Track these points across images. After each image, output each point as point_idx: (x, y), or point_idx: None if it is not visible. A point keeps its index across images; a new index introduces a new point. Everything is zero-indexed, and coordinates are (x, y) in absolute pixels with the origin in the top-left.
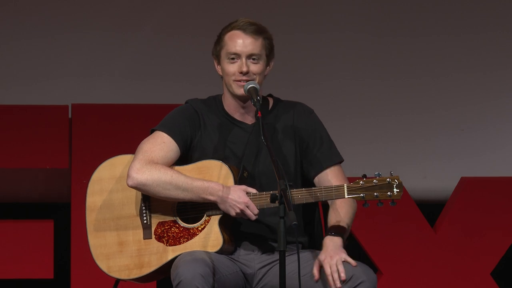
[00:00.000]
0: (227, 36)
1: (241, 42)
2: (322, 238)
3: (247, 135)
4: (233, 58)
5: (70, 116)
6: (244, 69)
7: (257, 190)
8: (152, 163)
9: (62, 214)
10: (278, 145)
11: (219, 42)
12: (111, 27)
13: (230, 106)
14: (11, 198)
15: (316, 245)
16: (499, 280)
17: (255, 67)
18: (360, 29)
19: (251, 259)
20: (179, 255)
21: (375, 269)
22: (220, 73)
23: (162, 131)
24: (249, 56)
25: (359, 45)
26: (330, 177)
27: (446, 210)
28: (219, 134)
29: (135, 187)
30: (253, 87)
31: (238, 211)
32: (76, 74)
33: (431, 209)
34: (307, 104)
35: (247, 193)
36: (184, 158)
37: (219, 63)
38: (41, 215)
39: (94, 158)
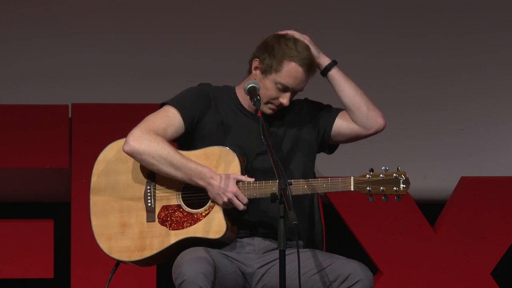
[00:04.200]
0: (288, 67)
1: (298, 80)
2: (322, 238)
3: (254, 124)
4: (281, 88)
5: (70, 116)
6: (286, 104)
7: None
8: (152, 133)
9: (62, 214)
10: (298, 136)
11: (276, 61)
12: (111, 27)
13: (245, 99)
14: (11, 198)
15: (316, 245)
16: (499, 280)
17: (291, 99)
18: (360, 29)
19: (250, 258)
20: (181, 252)
21: (375, 269)
22: (255, 77)
23: (170, 105)
24: (294, 92)
25: (359, 45)
26: (343, 119)
27: (446, 210)
28: (227, 119)
29: (130, 154)
30: (253, 86)
31: (225, 200)
32: (76, 74)
33: (431, 209)
34: None
35: (238, 181)
36: (188, 137)
37: (262, 72)
38: (41, 215)
39: (94, 158)
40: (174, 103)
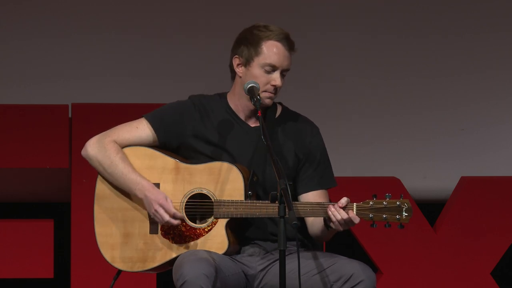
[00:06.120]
0: (267, 45)
1: (281, 56)
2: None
3: (248, 137)
4: (269, 70)
5: (70, 116)
6: (279, 84)
7: (263, 193)
8: (108, 141)
9: (62, 214)
10: (279, 154)
11: (254, 46)
12: (111, 27)
13: (238, 105)
14: (11, 198)
15: (315, 245)
16: (499, 280)
17: (282, 81)
18: (360, 29)
19: (253, 260)
20: (181, 254)
21: (375, 269)
22: (240, 75)
23: (145, 118)
24: (283, 71)
25: (360, 45)
26: (314, 198)
27: (446, 210)
28: (220, 129)
29: (84, 158)
30: (252, 86)
31: (152, 210)
32: (76, 74)
33: (431, 209)
34: (308, 104)
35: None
36: (180, 150)
37: (245, 65)
38: (41, 215)
39: None
40: (149, 117)
